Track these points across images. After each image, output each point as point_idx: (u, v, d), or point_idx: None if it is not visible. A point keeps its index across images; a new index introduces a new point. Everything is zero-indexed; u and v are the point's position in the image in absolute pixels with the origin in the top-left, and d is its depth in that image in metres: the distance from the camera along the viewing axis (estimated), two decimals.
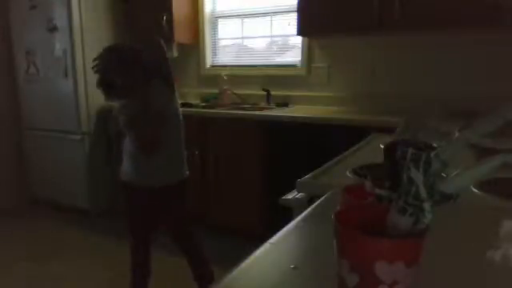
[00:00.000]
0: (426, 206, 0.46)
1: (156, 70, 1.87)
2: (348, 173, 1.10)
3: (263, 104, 3.32)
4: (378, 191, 0.56)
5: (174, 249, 2.06)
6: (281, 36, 3.50)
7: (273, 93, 3.33)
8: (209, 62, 3.75)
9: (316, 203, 0.94)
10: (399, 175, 0.48)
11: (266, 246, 0.72)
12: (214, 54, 3.76)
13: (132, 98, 1.83)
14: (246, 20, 3.59)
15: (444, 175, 0.47)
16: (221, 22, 3.71)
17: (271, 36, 3.52)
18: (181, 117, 1.96)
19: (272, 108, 3.18)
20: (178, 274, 2.24)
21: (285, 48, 3.54)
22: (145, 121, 1.81)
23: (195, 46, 3.69)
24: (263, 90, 3.34)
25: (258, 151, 2.85)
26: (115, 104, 1.95)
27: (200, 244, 2.05)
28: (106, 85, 1.80)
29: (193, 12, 3.62)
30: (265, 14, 3.46)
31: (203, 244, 2.06)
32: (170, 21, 3.36)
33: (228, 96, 3.47)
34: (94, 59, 1.81)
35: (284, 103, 3.26)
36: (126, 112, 1.86)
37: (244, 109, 3.22)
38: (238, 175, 2.96)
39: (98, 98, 3.45)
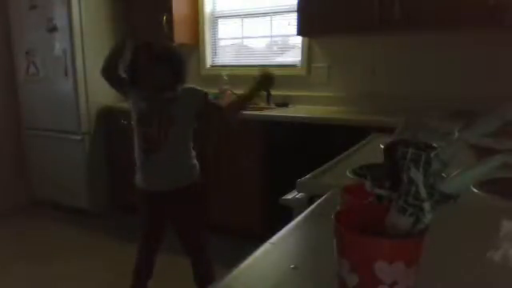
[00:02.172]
0: (426, 205, 0.46)
1: (184, 75, 1.88)
2: (348, 173, 1.10)
3: (263, 104, 3.32)
4: (377, 191, 0.56)
5: (174, 248, 2.06)
6: (281, 36, 3.49)
7: (273, 93, 3.33)
8: (209, 62, 3.75)
9: (316, 203, 0.94)
10: (399, 175, 0.48)
11: (266, 245, 0.72)
12: (214, 53, 3.76)
13: (156, 95, 1.84)
14: (246, 20, 3.59)
15: (444, 175, 0.47)
16: (221, 22, 3.71)
17: (271, 36, 3.52)
18: (192, 122, 1.93)
19: (272, 108, 3.17)
20: (177, 273, 2.24)
21: (285, 48, 3.54)
22: (155, 120, 1.82)
23: (195, 46, 3.69)
24: None
25: (258, 151, 2.85)
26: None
27: (206, 247, 2.04)
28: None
29: (193, 12, 3.62)
30: (265, 14, 3.46)
31: (209, 246, 2.05)
32: (170, 21, 3.36)
33: (228, 96, 3.47)
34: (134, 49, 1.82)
35: (284, 103, 3.26)
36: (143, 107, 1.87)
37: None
38: (237, 175, 2.96)
39: (98, 98, 3.46)
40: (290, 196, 1.19)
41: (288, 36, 3.42)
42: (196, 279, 2.03)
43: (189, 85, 1.95)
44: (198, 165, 1.98)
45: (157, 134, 1.82)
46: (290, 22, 3.30)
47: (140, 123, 1.87)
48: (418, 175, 0.46)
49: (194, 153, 1.96)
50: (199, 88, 1.96)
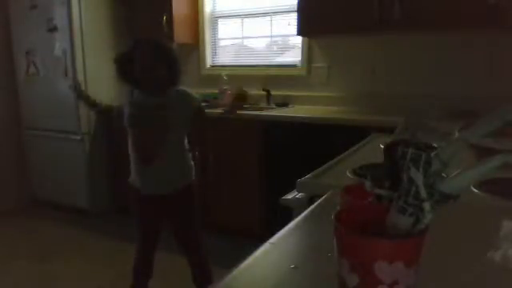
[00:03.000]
0: (426, 205, 0.46)
1: (178, 76, 1.87)
2: (348, 173, 1.10)
3: (263, 104, 3.32)
4: (377, 191, 0.56)
5: (174, 248, 2.06)
6: (281, 36, 3.49)
7: (273, 93, 3.33)
8: (209, 62, 3.74)
9: (316, 203, 0.94)
10: (399, 175, 0.48)
11: (266, 245, 0.72)
12: (214, 53, 3.76)
13: (149, 96, 1.83)
14: (246, 20, 3.59)
15: (444, 175, 0.47)
16: (221, 22, 3.71)
17: (271, 36, 3.52)
18: (187, 124, 1.92)
19: (272, 108, 3.18)
20: (178, 273, 2.24)
21: (285, 48, 3.54)
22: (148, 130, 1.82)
23: (195, 46, 3.69)
24: (263, 90, 3.34)
25: (257, 151, 2.85)
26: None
27: (203, 246, 2.04)
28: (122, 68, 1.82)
29: (193, 12, 3.62)
30: (265, 14, 3.46)
31: (205, 245, 2.05)
32: (170, 21, 3.36)
33: (228, 96, 3.47)
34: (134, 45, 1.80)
35: (284, 103, 3.26)
36: (136, 110, 1.85)
37: (244, 109, 3.22)
38: (237, 175, 2.96)
39: (98, 98, 3.45)
40: (290, 196, 1.19)
41: (288, 36, 3.42)
42: (194, 279, 2.03)
43: (183, 88, 1.95)
44: (193, 165, 1.99)
45: (153, 144, 1.83)
46: (290, 22, 3.30)
47: (136, 134, 1.87)
48: (417, 175, 0.46)
49: (190, 154, 1.96)
50: (195, 96, 1.97)
